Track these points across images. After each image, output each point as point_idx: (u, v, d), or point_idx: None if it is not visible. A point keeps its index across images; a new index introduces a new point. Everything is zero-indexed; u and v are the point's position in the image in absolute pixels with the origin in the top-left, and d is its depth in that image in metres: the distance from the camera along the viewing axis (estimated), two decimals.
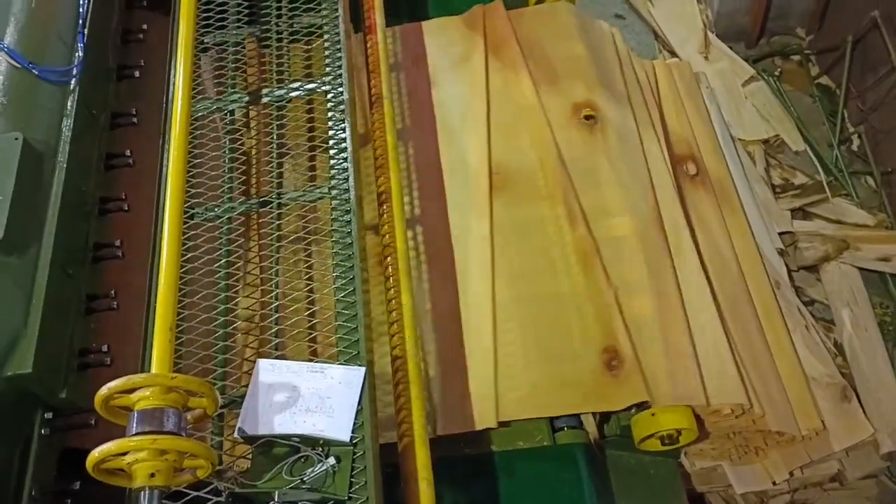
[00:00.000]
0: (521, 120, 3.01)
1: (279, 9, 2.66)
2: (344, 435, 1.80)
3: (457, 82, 3.11)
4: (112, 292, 2.24)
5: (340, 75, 2.45)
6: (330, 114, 2.40)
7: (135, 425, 1.58)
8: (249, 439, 1.82)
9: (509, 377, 2.52)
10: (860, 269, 3.42)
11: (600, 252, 2.72)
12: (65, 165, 2.17)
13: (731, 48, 4.05)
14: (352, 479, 1.76)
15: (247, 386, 1.90)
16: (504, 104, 3.05)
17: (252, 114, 2.58)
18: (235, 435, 1.84)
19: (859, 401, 3.01)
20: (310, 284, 2.28)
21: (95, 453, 1.55)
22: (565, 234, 2.75)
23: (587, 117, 3.02)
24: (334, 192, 2.26)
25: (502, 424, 2.47)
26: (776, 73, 4.02)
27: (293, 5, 2.64)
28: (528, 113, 3.02)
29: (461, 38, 3.21)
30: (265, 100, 2.53)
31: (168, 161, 2.15)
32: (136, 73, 2.64)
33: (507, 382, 2.51)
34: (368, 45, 2.71)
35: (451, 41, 3.20)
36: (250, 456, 1.83)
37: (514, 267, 2.71)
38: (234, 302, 2.17)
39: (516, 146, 2.96)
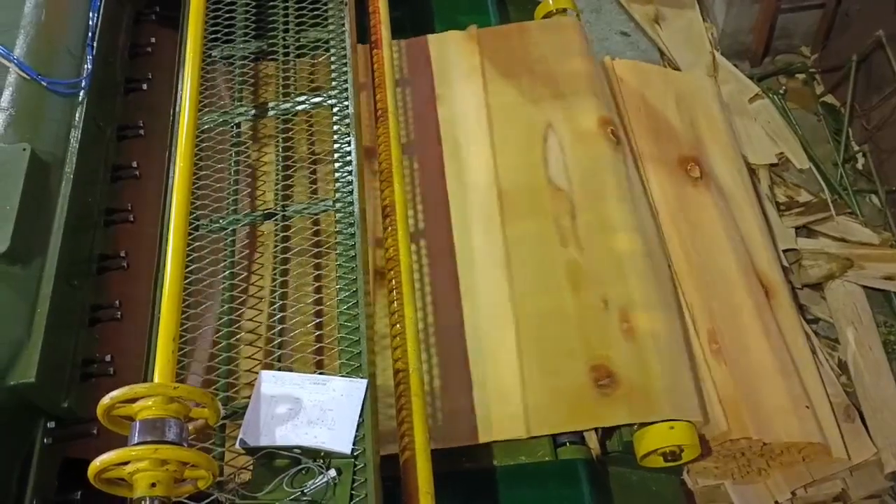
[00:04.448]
0: (523, 137, 3.01)
1: (286, 23, 2.69)
2: (345, 447, 1.80)
3: (462, 97, 3.12)
4: (116, 303, 2.25)
5: (346, 89, 2.47)
6: (335, 127, 2.42)
7: (136, 435, 1.59)
8: (251, 450, 1.82)
9: (510, 393, 2.51)
10: (865, 287, 3.41)
11: (597, 270, 2.72)
12: (71, 177, 2.18)
13: (735, 66, 4.06)
14: (352, 492, 1.76)
15: (249, 397, 1.90)
16: (507, 121, 3.05)
17: (258, 127, 2.60)
18: (237, 446, 1.84)
19: (863, 420, 3.00)
20: (314, 297, 2.28)
21: (97, 463, 1.55)
22: (557, 252, 2.75)
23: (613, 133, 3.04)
24: (338, 205, 2.27)
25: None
26: (781, 92, 4.04)
27: (300, 20, 2.66)
28: (529, 130, 3.02)
29: (466, 54, 3.22)
30: (271, 113, 2.55)
31: (174, 173, 2.16)
32: (144, 87, 2.66)
33: (507, 398, 2.51)
34: (374, 60, 2.73)
35: (455, 56, 3.21)
36: (251, 467, 1.83)
37: (515, 284, 2.71)
38: (237, 313, 2.17)
39: (516, 164, 2.97)
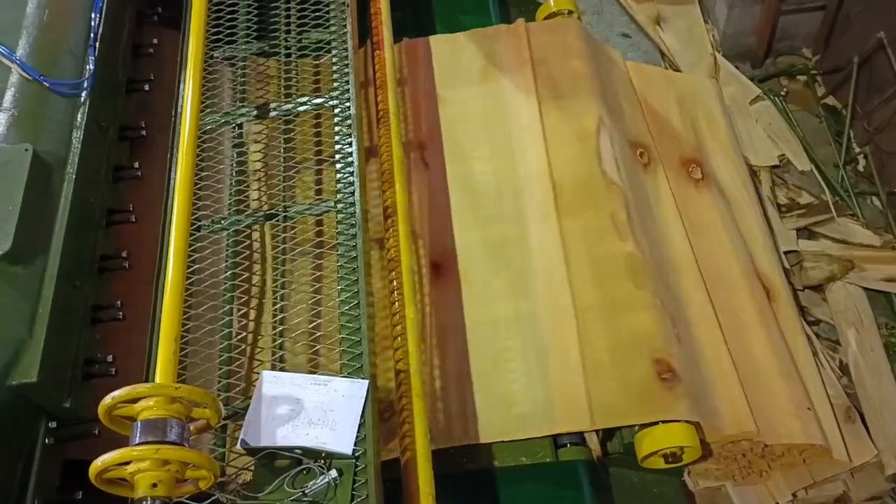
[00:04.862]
0: (575, 129, 2.99)
1: (288, 24, 2.69)
2: (346, 448, 1.80)
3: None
4: (118, 303, 2.25)
5: (348, 90, 2.47)
6: (337, 128, 2.42)
7: (138, 435, 1.59)
8: (252, 451, 1.83)
9: (573, 385, 2.49)
10: (866, 289, 3.41)
11: (653, 266, 2.72)
12: (73, 177, 2.19)
13: (736, 68, 4.06)
14: (353, 493, 1.76)
15: (250, 397, 1.90)
16: (559, 113, 3.03)
17: (260, 128, 2.60)
18: (238, 446, 1.84)
19: (864, 422, 3.00)
20: (315, 297, 2.28)
21: (98, 463, 1.55)
22: (615, 245, 2.74)
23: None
24: (340, 205, 2.27)
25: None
26: (782, 93, 4.03)
27: (302, 21, 2.67)
28: (581, 122, 3.00)
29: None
30: (273, 114, 2.55)
31: (175, 173, 2.17)
32: (146, 87, 2.66)
33: (570, 390, 2.49)
34: (376, 61, 2.73)
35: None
36: (252, 468, 1.83)
37: (573, 275, 2.69)
38: (239, 313, 2.17)
39: (570, 156, 2.95)
